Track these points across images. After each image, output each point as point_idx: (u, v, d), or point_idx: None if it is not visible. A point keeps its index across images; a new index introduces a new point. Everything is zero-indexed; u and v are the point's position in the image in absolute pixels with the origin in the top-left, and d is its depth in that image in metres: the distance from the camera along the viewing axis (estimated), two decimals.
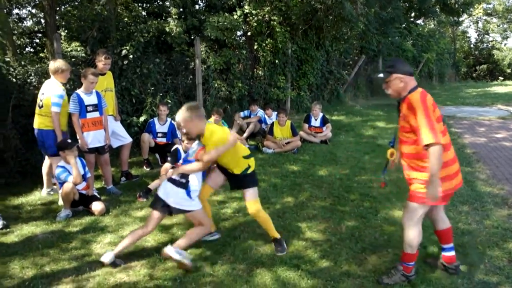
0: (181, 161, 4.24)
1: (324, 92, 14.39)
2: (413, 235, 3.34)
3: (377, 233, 4.42)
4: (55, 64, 5.31)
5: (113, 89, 6.28)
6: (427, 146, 3.02)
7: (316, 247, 4.10)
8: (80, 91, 5.48)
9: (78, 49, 8.12)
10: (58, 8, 9.56)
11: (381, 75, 3.42)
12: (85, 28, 8.45)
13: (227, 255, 3.96)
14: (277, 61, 11.57)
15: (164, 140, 7.27)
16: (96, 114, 5.58)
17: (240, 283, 3.47)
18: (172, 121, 7.40)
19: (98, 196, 5.37)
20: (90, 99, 5.51)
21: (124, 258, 3.88)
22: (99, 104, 5.63)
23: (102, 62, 5.95)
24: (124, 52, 8.01)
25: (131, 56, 8.06)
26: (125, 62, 7.99)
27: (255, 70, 11.50)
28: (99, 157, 5.75)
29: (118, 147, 6.35)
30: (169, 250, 3.58)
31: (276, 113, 9.09)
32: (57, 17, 8.19)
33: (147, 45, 8.70)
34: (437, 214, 3.59)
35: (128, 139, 6.34)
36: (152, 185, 5.82)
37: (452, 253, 3.61)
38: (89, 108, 5.50)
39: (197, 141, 4.10)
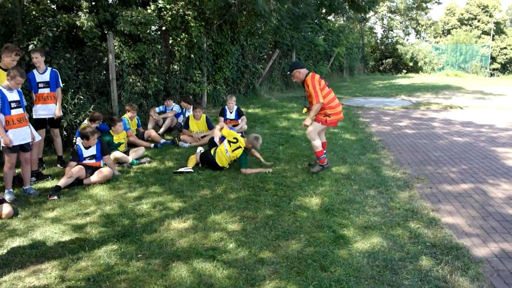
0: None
1: (240, 85, 14.60)
2: (317, 141, 6.18)
3: (290, 220, 4.61)
4: None
5: None
6: (317, 103, 5.92)
7: (231, 237, 4.20)
8: (1, 87, 5.23)
9: None
10: None
11: (288, 72, 6.33)
12: None
13: (142, 250, 3.94)
14: (192, 55, 11.55)
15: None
16: (20, 111, 5.42)
17: (156, 278, 3.46)
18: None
19: (3, 198, 5.08)
20: (12, 96, 5.31)
21: (34, 261, 3.75)
22: (21, 101, 5.46)
23: (10, 58, 5.66)
24: (31, 46, 7.61)
25: None
26: None
27: (170, 64, 11.39)
28: (20, 155, 5.53)
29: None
30: None
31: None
32: None
33: (57, 40, 8.32)
34: (322, 133, 6.49)
35: (37, 137, 6.05)
36: (61, 182, 5.66)
37: (325, 157, 6.40)
38: (13, 105, 5.31)
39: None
